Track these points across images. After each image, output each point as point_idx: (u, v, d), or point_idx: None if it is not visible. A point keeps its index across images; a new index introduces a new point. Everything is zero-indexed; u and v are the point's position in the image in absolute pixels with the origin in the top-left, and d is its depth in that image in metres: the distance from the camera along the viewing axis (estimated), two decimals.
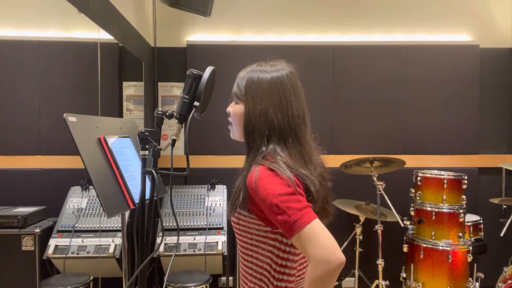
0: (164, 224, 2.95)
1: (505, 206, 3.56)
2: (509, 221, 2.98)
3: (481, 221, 3.15)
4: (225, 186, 3.30)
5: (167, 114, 1.27)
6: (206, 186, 3.29)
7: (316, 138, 1.22)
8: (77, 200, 2.97)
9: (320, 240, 0.97)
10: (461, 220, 2.87)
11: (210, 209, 3.10)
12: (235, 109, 1.20)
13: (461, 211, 2.87)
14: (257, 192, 1.04)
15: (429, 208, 2.90)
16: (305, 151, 1.15)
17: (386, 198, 2.92)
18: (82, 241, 2.73)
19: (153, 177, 1.22)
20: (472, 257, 2.84)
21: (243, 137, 1.18)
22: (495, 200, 3.26)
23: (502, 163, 3.34)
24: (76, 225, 2.81)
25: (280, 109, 1.14)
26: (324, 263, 0.95)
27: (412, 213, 3.03)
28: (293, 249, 1.12)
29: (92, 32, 2.42)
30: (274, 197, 1.01)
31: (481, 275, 2.93)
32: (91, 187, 3.02)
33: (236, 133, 1.22)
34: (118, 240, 2.74)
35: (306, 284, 1.00)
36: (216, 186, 3.29)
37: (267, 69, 1.17)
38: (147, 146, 1.25)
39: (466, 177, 2.91)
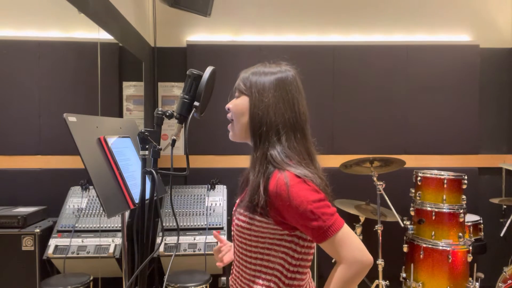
0: (164, 224, 2.96)
1: (505, 206, 3.56)
2: (509, 221, 2.98)
3: (481, 221, 3.15)
4: (225, 186, 3.31)
5: (167, 114, 1.27)
6: (206, 186, 3.29)
7: (314, 142, 1.22)
8: (77, 200, 2.97)
9: (353, 243, 1.05)
10: (461, 220, 2.87)
11: (210, 209, 3.10)
12: (236, 102, 1.18)
13: (461, 211, 2.87)
14: (289, 199, 1.03)
15: (429, 208, 2.90)
16: (310, 149, 1.16)
17: (386, 198, 2.92)
18: (82, 241, 2.73)
19: (153, 177, 1.21)
20: (472, 257, 2.84)
21: (249, 131, 1.16)
22: (495, 200, 3.26)
23: (502, 163, 3.35)
24: (76, 225, 2.81)
25: (288, 104, 1.14)
26: (358, 264, 1.03)
27: (412, 213, 3.03)
28: (307, 250, 1.13)
29: (92, 32, 2.42)
30: (308, 204, 1.03)
31: (481, 275, 2.93)
32: (91, 187, 3.02)
33: (236, 130, 1.19)
34: (118, 240, 2.74)
35: (336, 284, 1.04)
36: (216, 186, 3.29)
37: (273, 69, 1.18)
38: (147, 146, 1.25)
39: (466, 177, 2.91)
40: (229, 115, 1.21)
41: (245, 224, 1.13)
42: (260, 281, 1.13)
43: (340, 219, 1.06)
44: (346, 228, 1.06)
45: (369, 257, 1.04)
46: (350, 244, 1.04)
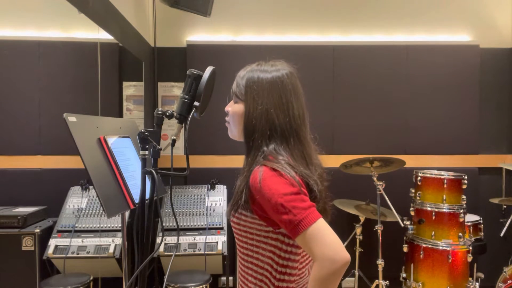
0: (164, 224, 2.96)
1: (505, 206, 3.56)
2: (509, 221, 2.98)
3: (481, 221, 3.15)
4: (225, 186, 3.31)
5: (167, 114, 1.27)
6: (206, 186, 3.29)
7: (315, 139, 1.22)
8: (77, 200, 2.97)
9: (325, 239, 0.97)
10: (461, 220, 2.86)
11: (210, 209, 3.10)
12: (234, 108, 1.19)
13: (461, 211, 2.87)
14: (261, 192, 1.03)
15: (429, 208, 2.90)
16: (306, 152, 1.15)
17: (386, 198, 2.92)
18: (82, 241, 2.73)
19: (153, 177, 1.22)
20: (472, 257, 2.84)
21: (243, 137, 1.18)
22: (495, 200, 3.26)
23: (502, 163, 3.34)
24: (76, 225, 2.81)
25: (281, 109, 1.13)
26: (329, 262, 0.96)
27: (412, 213, 3.02)
28: (295, 249, 1.12)
29: (92, 32, 2.42)
30: (279, 197, 1.01)
31: (481, 275, 2.93)
32: (91, 187, 3.02)
33: (234, 132, 1.21)
34: (118, 240, 2.74)
35: (311, 283, 1.00)
36: (216, 186, 3.29)
37: (268, 69, 1.17)
38: (147, 146, 1.25)
39: (466, 177, 2.91)
40: (227, 117, 1.22)
41: (235, 219, 1.15)
42: (253, 279, 1.15)
43: (314, 214, 1.00)
44: (320, 223, 0.99)
45: (343, 256, 0.96)
46: (321, 241, 0.97)
